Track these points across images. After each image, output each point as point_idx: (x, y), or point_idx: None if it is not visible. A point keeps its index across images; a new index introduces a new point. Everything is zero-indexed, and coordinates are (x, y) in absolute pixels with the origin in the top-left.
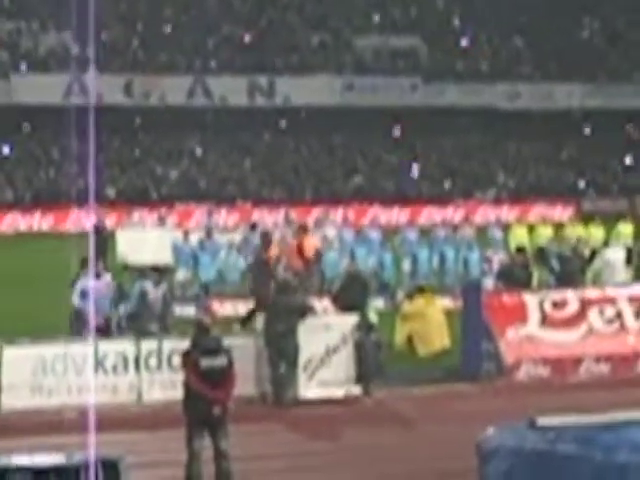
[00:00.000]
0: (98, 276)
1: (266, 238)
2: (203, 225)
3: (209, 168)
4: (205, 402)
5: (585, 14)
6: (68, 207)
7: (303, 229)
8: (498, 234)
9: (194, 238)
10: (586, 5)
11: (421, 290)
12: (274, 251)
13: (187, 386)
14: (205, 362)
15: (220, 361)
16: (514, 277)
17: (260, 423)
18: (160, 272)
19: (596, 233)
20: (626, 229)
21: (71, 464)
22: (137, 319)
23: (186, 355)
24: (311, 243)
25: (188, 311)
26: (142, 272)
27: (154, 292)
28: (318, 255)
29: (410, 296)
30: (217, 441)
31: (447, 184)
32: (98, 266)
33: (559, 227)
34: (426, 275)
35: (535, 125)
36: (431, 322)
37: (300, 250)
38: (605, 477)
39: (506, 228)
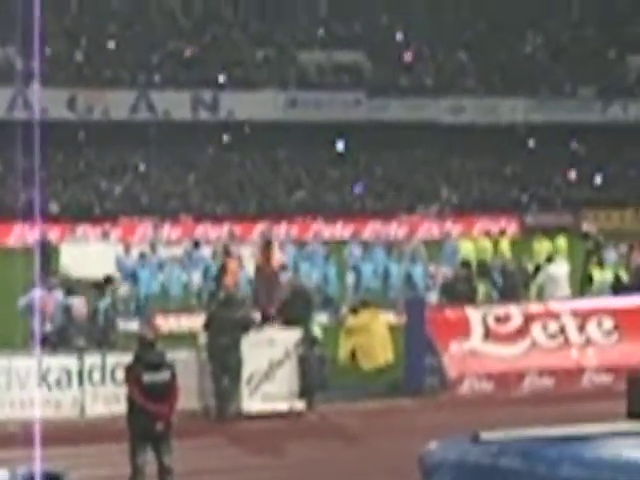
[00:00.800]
0: (49, 290)
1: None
2: (146, 240)
3: (152, 183)
4: (148, 417)
5: (529, 29)
6: (12, 222)
7: (268, 243)
8: (450, 248)
9: (136, 252)
10: (530, 20)
11: (365, 304)
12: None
13: (130, 400)
14: (148, 377)
15: (163, 376)
16: (457, 291)
17: (203, 437)
18: (101, 287)
19: (539, 248)
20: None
21: (15, 478)
22: (63, 334)
23: (129, 370)
24: (277, 257)
25: (132, 325)
26: (70, 288)
27: (80, 307)
28: (284, 268)
29: (354, 310)
30: (160, 456)
31: (391, 199)
32: (50, 281)
33: (497, 243)
34: (370, 289)
35: (479, 140)
36: (375, 336)
37: (268, 262)
38: None
39: (455, 243)
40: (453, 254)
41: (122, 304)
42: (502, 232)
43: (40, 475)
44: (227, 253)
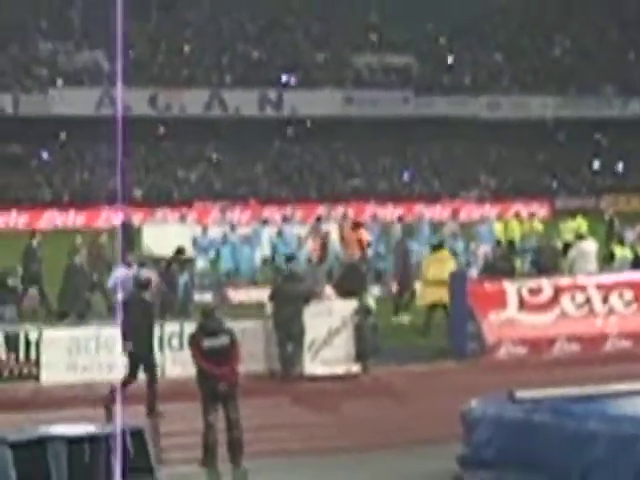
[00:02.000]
0: (129, 266)
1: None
2: (219, 221)
3: (224, 171)
4: (212, 379)
5: (557, 33)
6: (99, 206)
7: (358, 225)
8: (484, 229)
9: (212, 232)
10: (558, 25)
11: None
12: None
13: (197, 364)
14: (207, 342)
15: (222, 341)
16: (497, 268)
17: (269, 397)
18: (182, 263)
19: (565, 228)
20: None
21: (102, 433)
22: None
23: (192, 337)
24: (365, 236)
25: (207, 298)
26: (142, 263)
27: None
28: (369, 246)
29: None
30: (228, 413)
31: (436, 185)
32: (129, 257)
33: (532, 223)
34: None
35: (513, 133)
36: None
37: (359, 242)
38: (576, 444)
39: (491, 224)
40: (490, 233)
41: (199, 279)
42: (531, 215)
43: (125, 429)
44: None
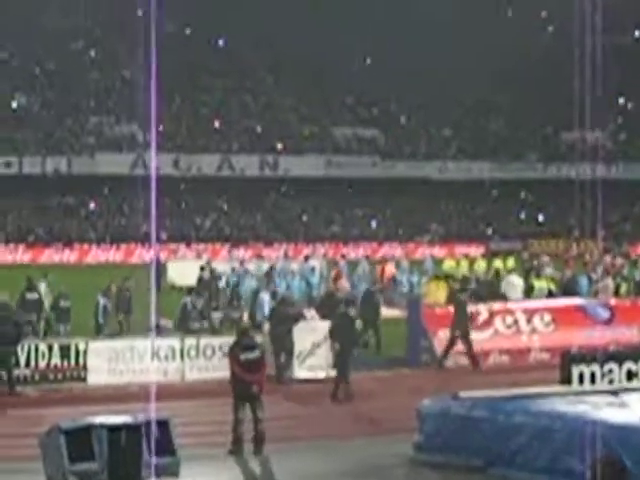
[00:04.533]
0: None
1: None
2: (227, 258)
3: (231, 219)
4: (245, 384)
5: (492, 112)
6: (134, 245)
7: (385, 260)
8: (430, 265)
9: (220, 268)
10: (493, 106)
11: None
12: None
13: (232, 372)
14: (244, 356)
15: (255, 354)
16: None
17: (267, 396)
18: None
19: (499, 264)
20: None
21: (135, 422)
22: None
23: (231, 350)
24: (389, 269)
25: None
26: (188, 291)
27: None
28: (393, 277)
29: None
30: (255, 411)
31: (395, 230)
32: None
33: (473, 261)
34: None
35: (458, 190)
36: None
37: (382, 273)
38: (505, 434)
39: (439, 261)
40: (434, 269)
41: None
42: (466, 256)
43: (153, 420)
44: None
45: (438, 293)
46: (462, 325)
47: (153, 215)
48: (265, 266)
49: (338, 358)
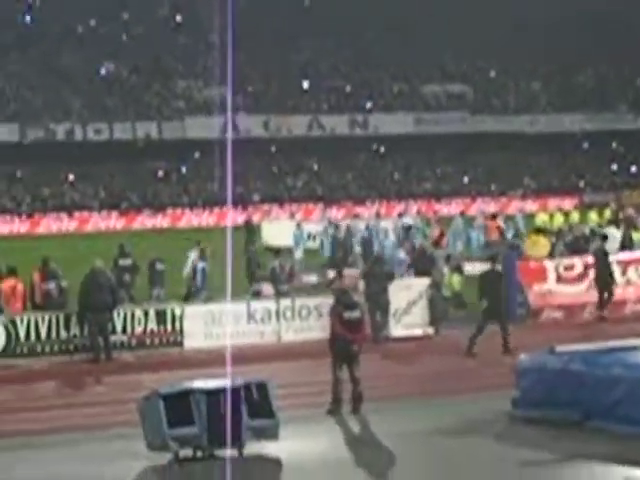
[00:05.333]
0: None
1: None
2: (320, 218)
3: (323, 179)
4: (347, 343)
5: (582, 64)
6: (227, 209)
7: (495, 216)
8: (521, 221)
9: (310, 228)
10: (583, 58)
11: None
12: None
13: (333, 332)
14: (347, 314)
15: (356, 313)
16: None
17: (364, 354)
18: (278, 252)
19: (593, 217)
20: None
21: (234, 386)
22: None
23: (333, 309)
24: (501, 224)
25: (312, 279)
26: (276, 253)
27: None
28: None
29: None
30: (353, 371)
31: (488, 185)
32: (250, 250)
33: (567, 214)
34: (477, 249)
35: (548, 144)
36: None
37: (498, 228)
38: (603, 387)
39: (531, 216)
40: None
41: (298, 264)
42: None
43: (251, 383)
44: (494, 216)
45: (538, 246)
46: (603, 277)
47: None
48: (361, 225)
49: (485, 314)
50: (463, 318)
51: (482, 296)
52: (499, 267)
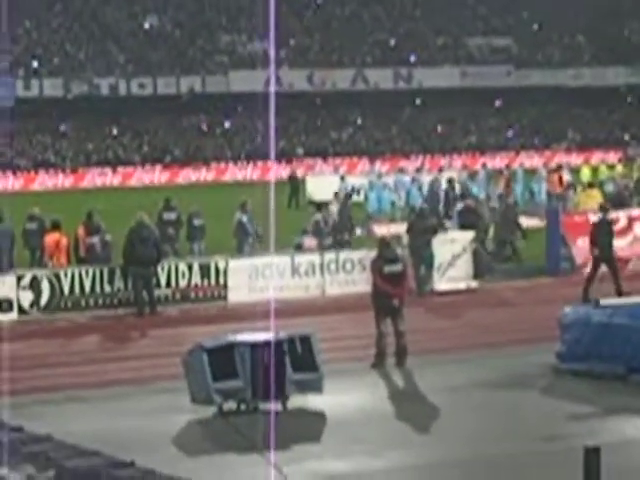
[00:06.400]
0: None
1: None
2: (365, 172)
3: (367, 133)
4: (388, 297)
5: (626, 18)
6: (269, 162)
7: (559, 167)
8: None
9: (354, 181)
10: (626, 12)
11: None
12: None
13: (375, 285)
14: (387, 268)
15: (397, 267)
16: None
17: (408, 308)
18: (319, 206)
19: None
20: None
21: (278, 339)
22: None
23: (374, 263)
24: (565, 176)
25: (357, 231)
26: (318, 207)
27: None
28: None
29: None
30: (397, 324)
31: (532, 139)
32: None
33: (612, 167)
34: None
35: (593, 97)
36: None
37: (560, 179)
38: None
39: (576, 169)
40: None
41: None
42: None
43: (295, 336)
44: (560, 168)
45: (589, 200)
46: None
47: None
48: (406, 179)
49: (596, 260)
50: (507, 270)
51: (594, 244)
52: (609, 217)
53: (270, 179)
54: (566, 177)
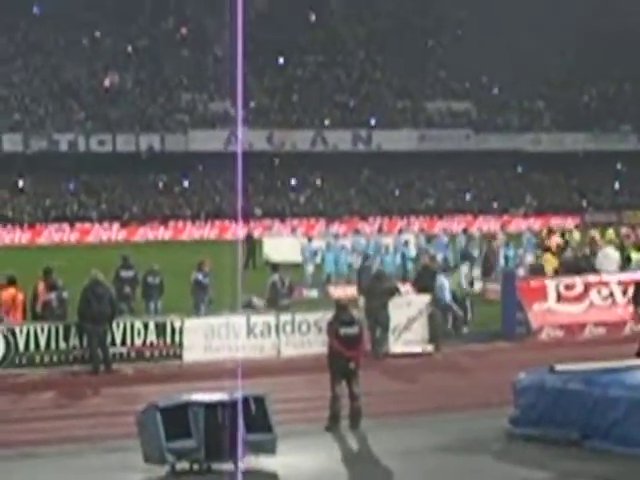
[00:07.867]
0: None
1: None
2: (321, 234)
3: (325, 194)
4: (344, 359)
5: (585, 85)
6: (229, 222)
7: (550, 231)
8: (531, 238)
9: (316, 242)
10: (585, 79)
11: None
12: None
13: (330, 347)
14: (343, 330)
15: (354, 330)
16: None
17: (363, 371)
18: (276, 267)
19: (597, 236)
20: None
21: (232, 399)
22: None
23: (330, 325)
24: (556, 240)
25: (311, 293)
26: (274, 268)
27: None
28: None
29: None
30: (352, 387)
31: (490, 203)
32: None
33: (569, 233)
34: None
35: (551, 163)
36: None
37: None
38: (602, 407)
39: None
40: (530, 243)
41: (309, 279)
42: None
43: (249, 397)
44: (552, 231)
45: (546, 265)
46: None
47: (239, 191)
48: (362, 241)
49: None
50: (463, 334)
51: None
52: None
53: (228, 238)
54: (559, 240)
